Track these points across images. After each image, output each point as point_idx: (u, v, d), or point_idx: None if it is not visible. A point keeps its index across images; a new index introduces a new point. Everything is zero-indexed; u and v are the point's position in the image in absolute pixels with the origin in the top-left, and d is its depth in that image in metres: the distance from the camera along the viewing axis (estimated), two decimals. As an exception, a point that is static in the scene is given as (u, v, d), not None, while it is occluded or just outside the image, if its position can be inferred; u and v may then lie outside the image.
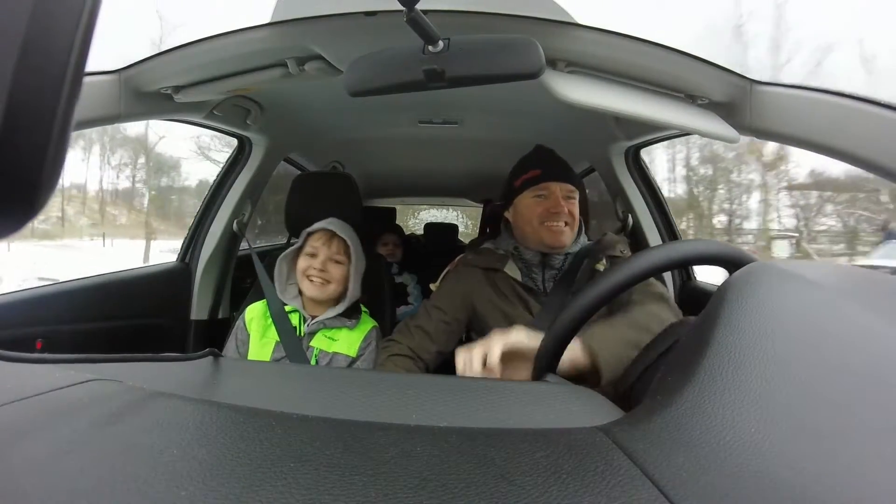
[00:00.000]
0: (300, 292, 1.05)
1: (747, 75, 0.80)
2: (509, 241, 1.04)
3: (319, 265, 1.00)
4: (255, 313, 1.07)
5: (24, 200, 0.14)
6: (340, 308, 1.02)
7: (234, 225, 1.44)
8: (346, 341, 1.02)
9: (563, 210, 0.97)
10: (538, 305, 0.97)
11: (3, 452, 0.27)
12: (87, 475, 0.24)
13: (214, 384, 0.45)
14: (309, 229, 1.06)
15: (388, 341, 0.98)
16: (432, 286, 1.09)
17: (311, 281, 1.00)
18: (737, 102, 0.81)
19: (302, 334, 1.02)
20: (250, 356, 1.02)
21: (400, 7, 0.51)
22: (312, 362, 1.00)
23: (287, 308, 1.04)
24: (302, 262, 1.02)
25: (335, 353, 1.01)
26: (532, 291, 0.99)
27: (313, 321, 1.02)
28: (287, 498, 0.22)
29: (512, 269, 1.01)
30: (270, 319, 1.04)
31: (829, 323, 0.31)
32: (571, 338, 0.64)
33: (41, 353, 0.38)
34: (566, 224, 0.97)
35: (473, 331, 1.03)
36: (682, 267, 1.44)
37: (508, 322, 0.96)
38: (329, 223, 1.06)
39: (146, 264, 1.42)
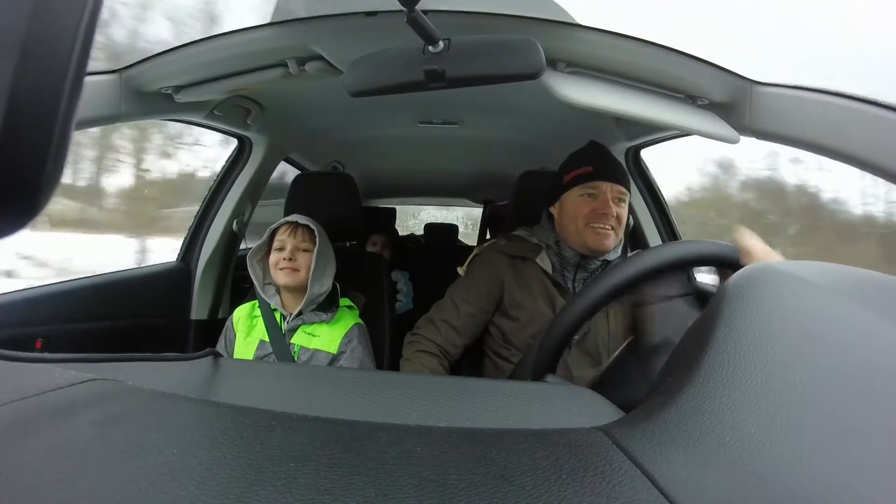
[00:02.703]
0: (277, 290, 1.06)
1: (747, 76, 0.80)
2: (550, 233, 1.01)
3: (288, 254, 1.03)
4: (241, 314, 1.10)
5: (25, 200, 0.14)
6: (312, 303, 1.03)
7: (234, 225, 1.44)
8: (326, 337, 1.03)
9: (610, 212, 0.92)
10: (564, 303, 0.94)
11: (3, 452, 0.27)
12: (87, 475, 0.24)
13: (214, 384, 0.45)
14: (273, 226, 1.08)
15: (415, 336, 0.98)
16: (460, 270, 1.06)
17: (282, 271, 1.02)
18: (737, 103, 0.81)
19: (283, 331, 1.04)
20: (235, 355, 1.05)
21: (400, 7, 0.51)
22: (294, 359, 1.02)
23: (271, 306, 1.06)
24: (272, 257, 1.05)
25: (315, 350, 1.02)
26: (560, 288, 0.97)
27: (291, 318, 1.04)
28: (287, 498, 0.22)
29: (544, 261, 0.98)
30: (255, 319, 1.07)
31: (829, 323, 0.31)
32: (571, 338, 0.64)
33: (41, 352, 0.38)
34: (612, 228, 0.94)
35: (495, 319, 1.00)
36: (682, 267, 1.44)
37: (529, 315, 0.94)
38: (291, 217, 1.09)
39: (146, 264, 1.42)
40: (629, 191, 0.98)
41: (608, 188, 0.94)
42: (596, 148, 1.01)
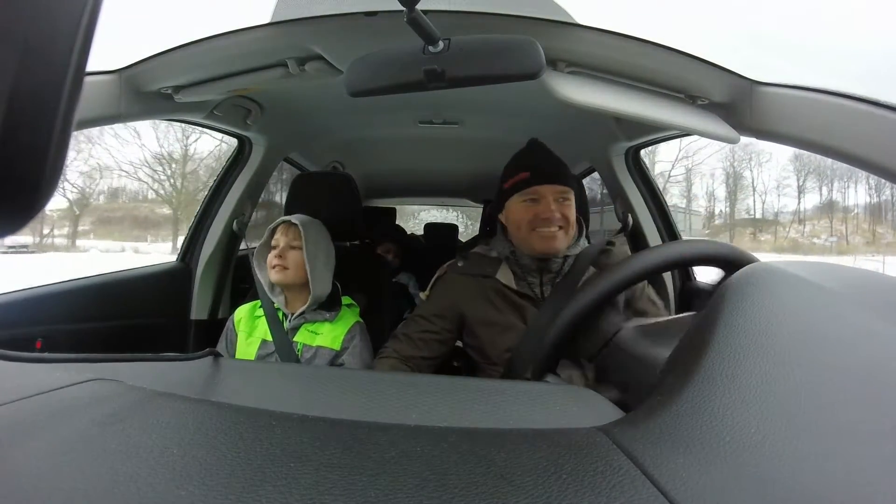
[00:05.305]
0: (282, 290, 1.08)
1: (747, 76, 0.80)
2: (505, 244, 0.98)
3: (278, 252, 1.05)
4: (242, 314, 1.10)
5: (25, 200, 0.14)
6: (314, 301, 1.05)
7: (234, 225, 1.44)
8: (329, 335, 1.05)
9: (553, 215, 0.91)
10: (535, 311, 0.92)
11: (3, 452, 0.27)
12: (87, 475, 0.24)
13: (214, 384, 0.45)
14: (271, 226, 1.10)
15: (382, 348, 0.99)
16: (422, 294, 1.06)
17: (274, 269, 1.04)
18: (737, 103, 0.81)
19: (286, 330, 1.05)
20: (237, 356, 1.05)
21: (400, 7, 0.51)
22: (298, 357, 1.03)
23: (275, 306, 1.07)
24: (269, 256, 1.07)
25: (319, 347, 1.03)
26: (528, 298, 0.94)
27: (294, 316, 1.05)
28: (287, 498, 0.22)
29: (505, 275, 0.95)
30: (257, 320, 1.08)
31: (828, 323, 0.31)
32: (571, 338, 0.64)
33: (41, 353, 0.38)
34: (560, 228, 0.92)
35: (465, 339, 0.99)
36: (682, 267, 1.44)
37: (500, 329, 0.92)
38: (289, 216, 1.10)
39: (146, 264, 1.41)
40: (572, 187, 0.96)
41: (549, 191, 0.92)
42: (534, 149, 0.99)
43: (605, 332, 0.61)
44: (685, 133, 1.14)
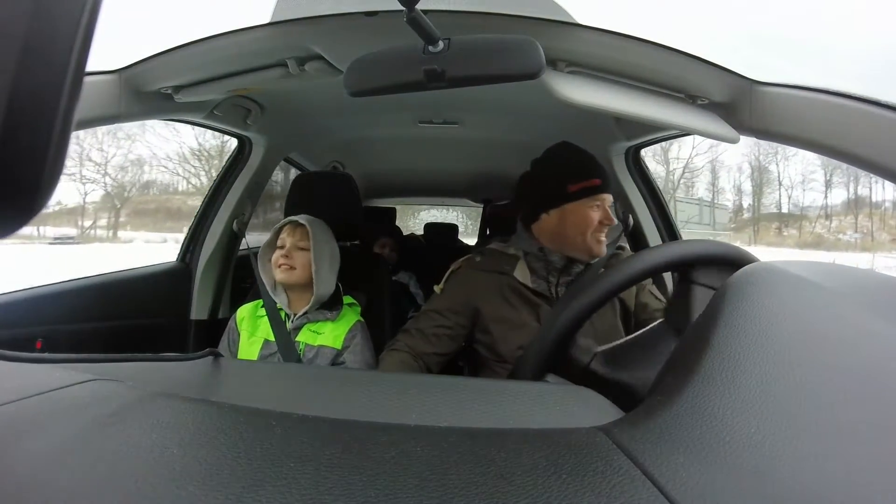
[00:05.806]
0: (284, 290, 1.09)
1: (747, 75, 0.80)
2: (530, 241, 0.99)
3: (285, 252, 1.05)
4: (245, 313, 1.11)
5: (24, 200, 0.14)
6: (316, 302, 1.06)
7: (234, 225, 1.44)
8: (330, 334, 1.05)
9: (612, 222, 0.97)
10: (549, 309, 0.93)
11: (3, 452, 0.27)
12: (87, 475, 0.24)
13: (214, 384, 0.45)
14: (277, 225, 1.11)
15: (392, 340, 0.99)
16: (436, 288, 1.06)
17: (280, 268, 1.05)
18: (737, 102, 0.81)
19: (288, 330, 1.06)
20: (239, 355, 1.06)
21: (400, 7, 0.51)
22: (300, 357, 1.03)
23: (277, 306, 1.08)
24: (274, 255, 1.08)
25: (321, 346, 1.04)
26: (543, 296, 0.96)
27: (296, 316, 1.06)
28: (287, 498, 0.22)
29: (522, 273, 0.97)
30: (259, 319, 1.09)
31: (828, 323, 0.31)
32: (572, 338, 0.64)
33: (41, 353, 0.38)
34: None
35: (477, 335, 0.99)
36: (682, 267, 1.44)
37: (513, 326, 0.94)
38: (296, 217, 1.11)
39: (146, 265, 1.42)
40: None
41: (606, 198, 0.97)
42: (589, 156, 1.00)
43: (578, 361, 0.61)
44: (685, 133, 1.15)
